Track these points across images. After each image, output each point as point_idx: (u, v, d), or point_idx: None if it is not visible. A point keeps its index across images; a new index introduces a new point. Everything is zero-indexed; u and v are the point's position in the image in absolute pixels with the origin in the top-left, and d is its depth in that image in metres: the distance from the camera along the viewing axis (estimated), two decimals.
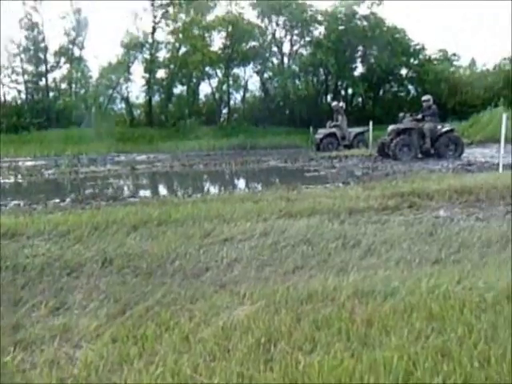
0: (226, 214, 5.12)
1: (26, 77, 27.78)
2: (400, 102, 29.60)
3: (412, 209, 5.58)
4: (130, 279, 3.28)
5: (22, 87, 28.00)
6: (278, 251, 3.88)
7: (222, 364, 2.00)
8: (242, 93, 31.57)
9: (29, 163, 16.09)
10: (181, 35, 27.91)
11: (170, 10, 28.17)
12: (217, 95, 30.98)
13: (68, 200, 7.64)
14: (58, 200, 7.62)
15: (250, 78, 31.08)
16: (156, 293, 2.94)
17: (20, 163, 15.77)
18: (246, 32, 28.97)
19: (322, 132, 18.24)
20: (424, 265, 3.46)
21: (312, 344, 2.16)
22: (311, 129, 20.46)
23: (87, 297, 2.95)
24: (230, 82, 30.54)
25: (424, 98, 13.93)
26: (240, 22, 28.94)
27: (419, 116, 13.45)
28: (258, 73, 30.94)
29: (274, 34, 30.69)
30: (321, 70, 30.74)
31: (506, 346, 2.04)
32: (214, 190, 10.08)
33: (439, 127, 13.52)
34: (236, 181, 12.28)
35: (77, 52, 28.74)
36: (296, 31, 30.39)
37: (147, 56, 28.27)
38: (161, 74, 28.94)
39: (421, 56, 31.53)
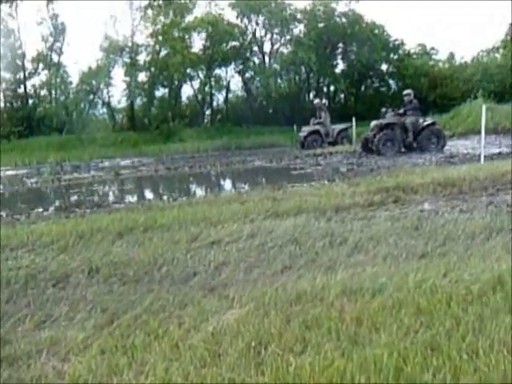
0: (213, 217, 5.10)
1: (3, 85, 27.35)
2: (381, 97, 29.79)
3: (397, 203, 5.64)
4: (117, 288, 3.25)
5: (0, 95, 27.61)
6: (265, 252, 3.88)
7: (212, 370, 1.98)
8: (224, 93, 31.57)
9: (10, 172, 15.81)
10: (160, 37, 27.69)
11: (149, 12, 27.97)
12: (199, 97, 30.91)
13: (51, 209, 7.55)
14: (41, 209, 7.51)
15: (232, 78, 31.11)
16: (144, 300, 2.91)
17: (1, 173, 15.48)
18: (226, 32, 28.92)
19: (305, 130, 18.28)
20: (411, 259, 3.49)
21: (302, 345, 2.16)
22: (295, 127, 20.51)
23: (74, 308, 2.90)
24: (212, 83, 30.47)
25: (405, 92, 14.06)
26: (220, 22, 28.89)
27: (401, 111, 13.57)
28: (239, 73, 30.94)
29: (254, 34, 30.73)
30: (302, 67, 30.84)
31: (494, 337, 2.07)
32: (199, 192, 10.04)
33: (421, 121, 13.66)
34: (222, 182, 12.25)
35: (55, 58, 28.45)
36: (276, 30, 30.45)
37: (127, 59, 27.97)
38: (142, 77, 28.69)
39: (400, 51, 31.86)
